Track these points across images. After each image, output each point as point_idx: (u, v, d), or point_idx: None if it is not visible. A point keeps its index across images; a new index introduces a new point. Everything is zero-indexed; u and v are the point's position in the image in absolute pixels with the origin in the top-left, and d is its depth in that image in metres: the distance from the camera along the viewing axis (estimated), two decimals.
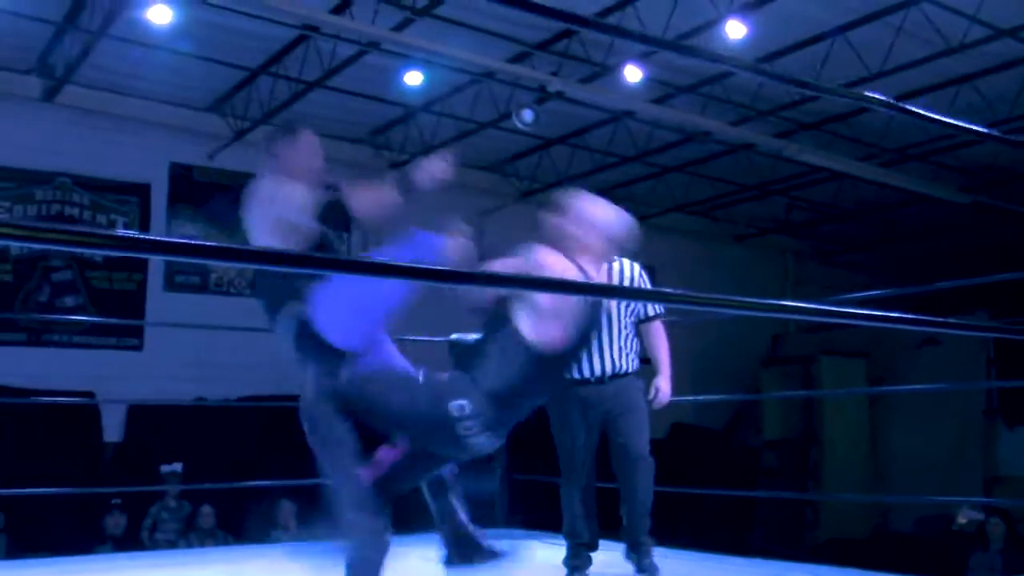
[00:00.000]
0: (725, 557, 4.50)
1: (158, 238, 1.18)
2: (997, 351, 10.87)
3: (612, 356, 3.95)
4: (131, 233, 1.20)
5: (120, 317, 7.82)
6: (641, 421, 3.90)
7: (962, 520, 7.99)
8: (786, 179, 11.21)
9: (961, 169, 10.64)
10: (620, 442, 3.85)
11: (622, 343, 3.99)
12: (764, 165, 10.53)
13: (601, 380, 3.90)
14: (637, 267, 4.12)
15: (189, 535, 6.86)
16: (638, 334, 4.13)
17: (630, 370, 3.98)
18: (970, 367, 10.81)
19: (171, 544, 6.71)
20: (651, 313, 4.11)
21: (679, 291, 1.53)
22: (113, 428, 7.55)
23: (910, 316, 1.73)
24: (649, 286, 4.21)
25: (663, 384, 4.04)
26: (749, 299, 1.52)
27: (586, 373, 3.91)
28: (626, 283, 4.07)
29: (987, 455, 10.94)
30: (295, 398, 7.75)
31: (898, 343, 11.18)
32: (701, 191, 11.63)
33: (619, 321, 4.01)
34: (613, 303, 3.99)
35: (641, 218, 11.18)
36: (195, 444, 7.15)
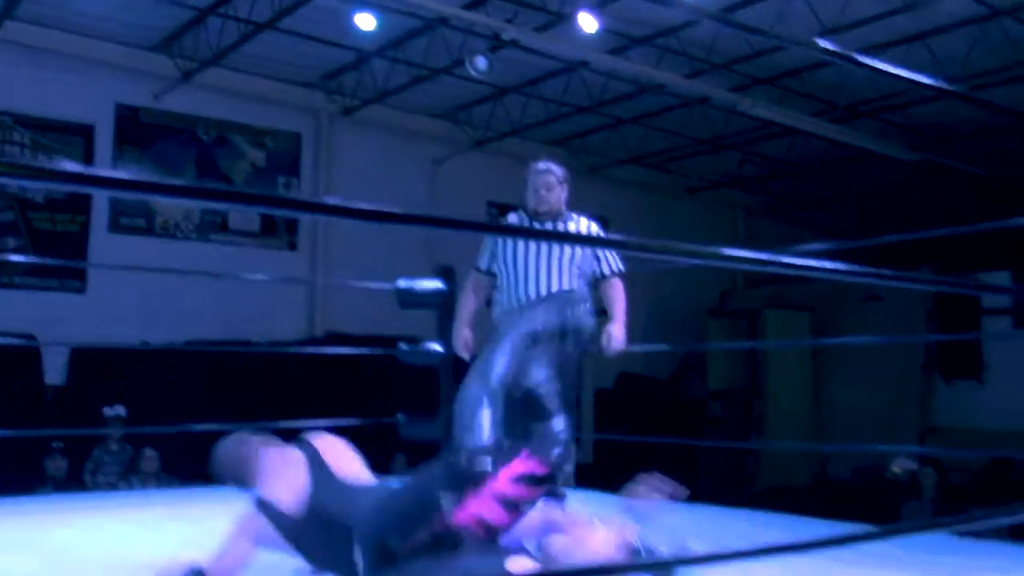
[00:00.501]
0: (670, 503, 4.56)
1: (106, 173, 1.15)
2: (937, 307, 11.10)
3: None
4: (77, 167, 1.17)
5: (63, 259, 7.69)
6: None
7: (896, 469, 8.19)
8: (739, 134, 11.26)
9: (910, 128, 10.75)
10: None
11: (579, 300, 4.00)
12: (718, 119, 10.56)
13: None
14: (595, 226, 4.15)
15: (131, 478, 6.83)
16: (593, 292, 4.16)
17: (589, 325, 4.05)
18: (911, 322, 11.03)
19: (112, 487, 6.68)
20: (607, 272, 4.13)
21: (633, 239, 1.53)
22: (55, 371, 7.44)
23: (853, 268, 1.75)
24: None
25: (616, 330, 4.08)
26: (699, 247, 1.53)
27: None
28: (579, 245, 4.07)
29: (924, 408, 11.21)
30: (240, 343, 7.74)
31: (842, 298, 11.37)
32: (655, 144, 11.64)
33: (568, 276, 4.01)
34: (555, 262, 4.00)
35: (594, 169, 11.24)
36: (139, 388, 7.08)
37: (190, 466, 7.02)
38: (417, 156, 10.38)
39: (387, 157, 9.96)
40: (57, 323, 7.40)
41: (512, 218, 4.27)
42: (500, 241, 4.12)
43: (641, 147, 11.67)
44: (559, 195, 4.04)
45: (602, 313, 4.18)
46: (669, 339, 10.74)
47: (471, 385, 3.72)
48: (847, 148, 10.87)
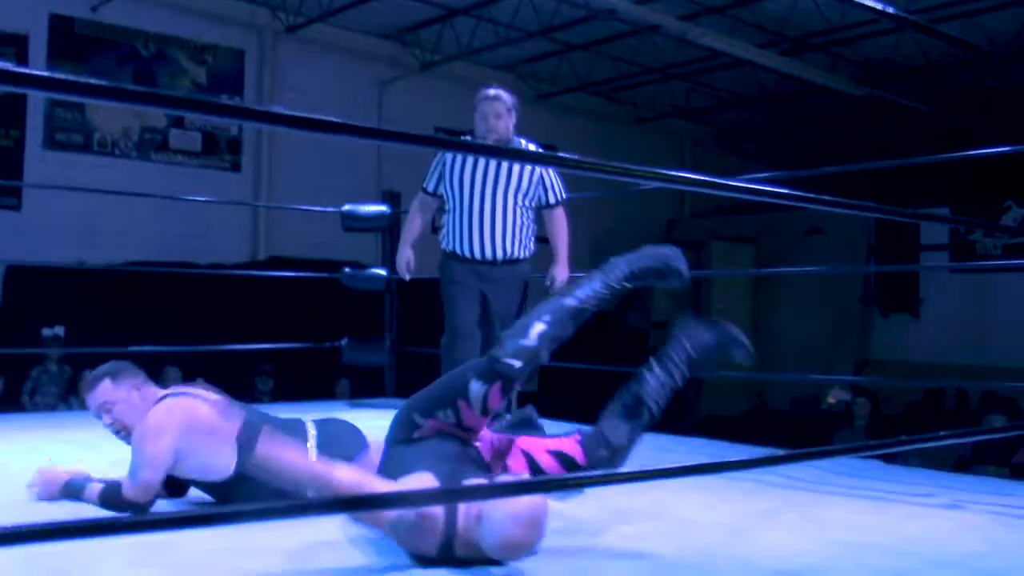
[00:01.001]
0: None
1: (40, 73, 1.10)
2: (877, 242, 11.29)
3: (504, 240, 4.04)
4: (8, 66, 1.11)
5: None
6: (513, 306, 4.08)
7: (831, 400, 8.41)
8: (688, 63, 11.22)
9: (859, 62, 10.80)
10: (494, 322, 4.03)
11: (515, 228, 4.05)
12: (667, 48, 10.50)
13: (493, 262, 4.05)
14: (540, 149, 4.13)
15: (70, 399, 6.75)
16: (538, 220, 4.19)
17: (521, 256, 4.10)
18: (852, 257, 11.22)
19: (51, 408, 6.60)
20: (551, 200, 4.16)
21: (588, 159, 1.51)
22: None
23: (797, 193, 1.75)
24: (553, 173, 4.18)
25: (559, 271, 4.15)
26: (651, 168, 1.52)
27: (477, 254, 4.05)
28: (526, 171, 4.07)
29: (861, 341, 11.47)
30: (180, 264, 7.62)
31: (785, 231, 11.50)
32: (604, 71, 11.56)
33: (513, 205, 4.05)
34: (501, 189, 4.03)
35: (542, 96, 11.15)
36: (76, 309, 6.97)
37: None
38: (363, 78, 10.19)
39: (333, 78, 9.75)
40: None
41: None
42: (449, 164, 4.11)
43: (590, 74, 11.58)
44: (507, 123, 4.05)
45: (543, 241, 4.22)
46: None
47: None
48: (796, 81, 10.90)
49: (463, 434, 2.54)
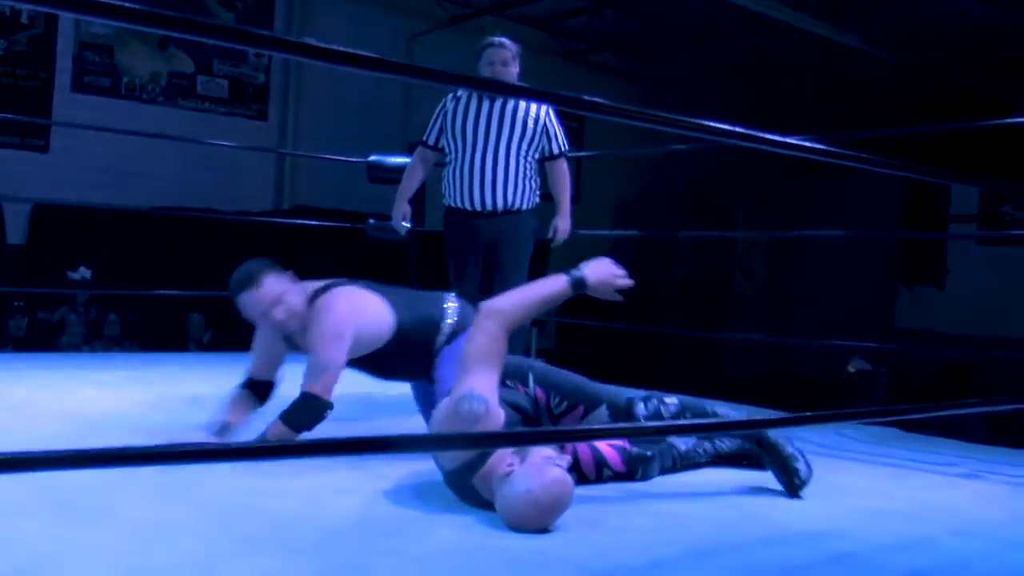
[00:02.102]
0: (627, 388, 4.64)
1: None
2: (906, 212, 11.16)
3: (506, 190, 3.97)
4: None
5: (24, 116, 7.47)
6: (522, 259, 4.02)
7: (851, 369, 8.36)
8: (725, 24, 11.03)
9: (893, 27, 10.60)
10: (497, 275, 3.97)
11: (517, 178, 3.97)
12: (699, 8, 10.33)
13: (494, 213, 3.97)
14: (544, 105, 4.04)
15: (94, 342, 6.80)
16: (541, 171, 4.12)
17: (524, 206, 4.02)
18: (880, 225, 11.10)
19: (75, 348, 6.65)
20: (555, 151, 4.08)
21: (623, 105, 1.48)
22: (16, 230, 7.33)
23: (832, 149, 1.71)
24: (557, 124, 4.08)
25: (561, 223, 4.10)
26: (687, 119, 1.49)
27: (478, 205, 3.98)
28: (530, 122, 3.99)
29: (885, 310, 11.38)
30: (206, 210, 7.62)
31: (814, 199, 11.38)
32: (635, 29, 11.40)
33: (516, 155, 3.98)
34: (504, 139, 3.96)
35: (573, 53, 10.86)
36: (102, 251, 7.00)
37: (151, 332, 7.01)
38: (393, 30, 10.10)
39: (362, 30, 9.67)
40: (18, 182, 7.22)
41: (462, 92, 4.12)
42: (451, 115, 4.03)
43: (622, 32, 11.43)
44: (513, 71, 3.96)
45: (548, 197, 4.17)
46: (640, 228, 10.76)
47: None
48: (831, 44, 10.71)
49: (546, 417, 2.68)
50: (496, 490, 2.23)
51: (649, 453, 2.78)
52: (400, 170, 5.23)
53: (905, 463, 3.28)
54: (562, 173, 4.12)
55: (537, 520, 2.16)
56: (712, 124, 1.61)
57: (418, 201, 5.97)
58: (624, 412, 2.70)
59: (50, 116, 7.78)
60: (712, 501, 2.60)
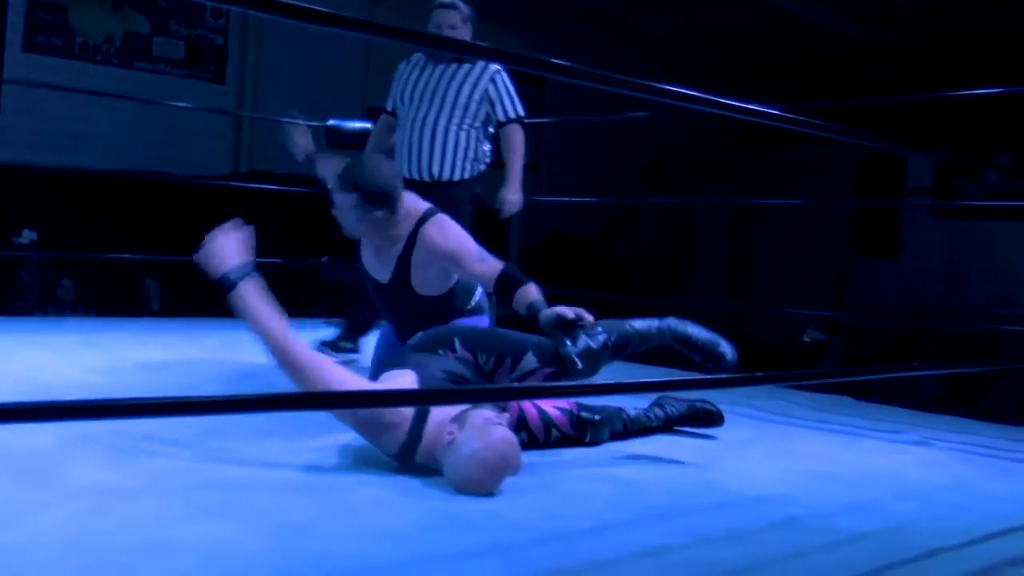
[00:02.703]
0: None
1: None
2: (862, 185, 11.28)
3: (433, 161, 3.87)
4: None
5: None
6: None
7: (806, 339, 8.47)
8: None
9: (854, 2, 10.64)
10: None
11: (447, 149, 3.87)
12: None
13: (424, 184, 3.80)
14: (494, 66, 3.90)
15: (47, 307, 6.70)
16: (493, 137, 4.01)
17: (455, 178, 3.89)
18: (837, 200, 11.21)
19: (28, 313, 6.55)
20: (500, 117, 3.92)
21: (596, 70, 1.48)
22: None
23: (792, 116, 1.73)
24: (505, 90, 3.92)
25: (509, 194, 3.92)
26: (646, 82, 1.49)
27: (412, 174, 3.88)
28: (466, 88, 3.86)
29: (840, 282, 11.53)
30: (161, 174, 7.49)
31: (773, 172, 11.46)
32: None
33: (449, 124, 3.86)
34: (442, 107, 3.86)
35: (535, 20, 10.65)
36: (53, 215, 6.88)
37: (104, 297, 6.92)
38: None
39: None
40: None
41: (414, 58, 4.06)
42: (402, 80, 3.98)
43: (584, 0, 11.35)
44: (463, 35, 3.84)
45: (500, 166, 4.04)
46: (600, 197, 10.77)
47: None
48: (793, 16, 10.73)
49: (482, 378, 2.62)
50: (442, 460, 2.24)
51: (597, 418, 2.79)
52: (359, 135, 5.20)
53: (854, 430, 3.34)
54: (512, 140, 3.92)
55: (487, 481, 2.17)
56: (675, 89, 1.62)
57: None
58: (553, 353, 2.66)
59: (1, 76, 7.61)
60: (664, 467, 2.63)
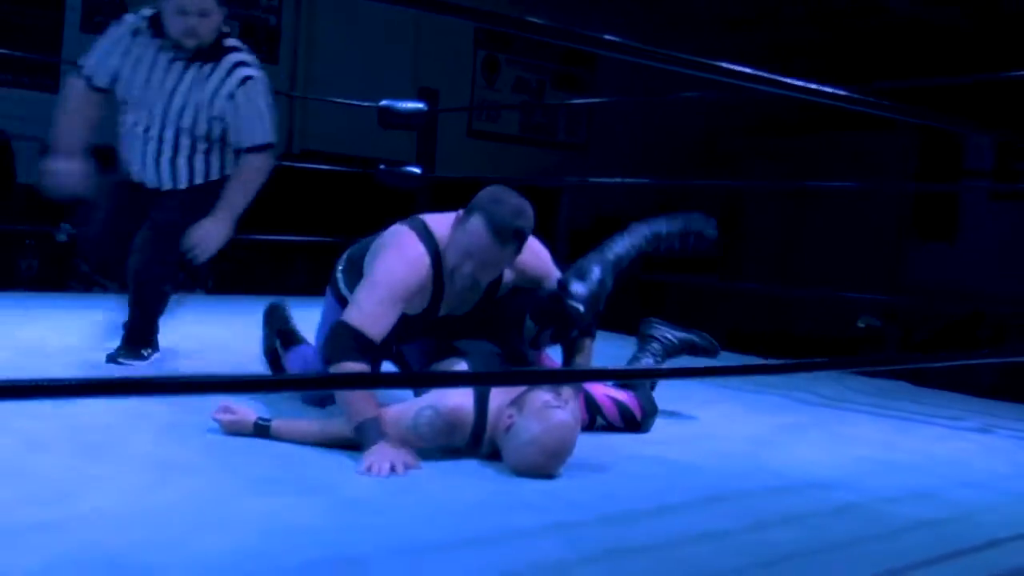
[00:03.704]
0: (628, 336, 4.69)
1: None
2: (919, 168, 11.08)
3: (148, 170, 3.18)
4: None
5: (34, 54, 7.41)
6: (169, 239, 3.10)
7: (861, 324, 8.36)
8: None
9: None
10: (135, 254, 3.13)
11: (164, 159, 3.15)
12: None
13: (157, 192, 3.19)
14: (251, 70, 3.14)
15: (92, 285, 6.78)
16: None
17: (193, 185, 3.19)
18: (893, 178, 11.03)
19: (86, 290, 6.66)
20: (246, 144, 3.16)
21: (619, 39, 1.45)
22: (26, 170, 7.30)
23: (850, 95, 1.69)
24: (253, 109, 3.14)
25: (210, 224, 3.11)
26: (682, 55, 1.46)
27: (135, 177, 3.22)
28: (206, 93, 3.08)
29: (895, 266, 11.35)
30: None
31: (828, 153, 11.29)
32: None
33: (169, 133, 3.11)
34: (166, 111, 3.10)
35: None
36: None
37: None
38: None
39: None
40: (28, 122, 7.18)
41: (147, 31, 3.09)
42: (132, 57, 3.07)
43: None
44: (216, 22, 3.05)
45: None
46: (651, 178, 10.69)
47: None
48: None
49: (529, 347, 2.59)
50: (501, 445, 2.24)
51: (648, 411, 2.74)
52: (411, 115, 5.19)
53: (912, 416, 3.29)
54: (244, 171, 3.17)
55: (544, 465, 2.16)
56: (732, 67, 1.59)
57: (429, 143, 5.94)
58: (549, 311, 2.51)
59: (60, 56, 7.72)
60: (719, 451, 2.61)
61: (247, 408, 2.40)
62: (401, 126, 5.31)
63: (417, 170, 5.35)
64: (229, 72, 3.09)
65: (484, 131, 9.67)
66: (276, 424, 2.34)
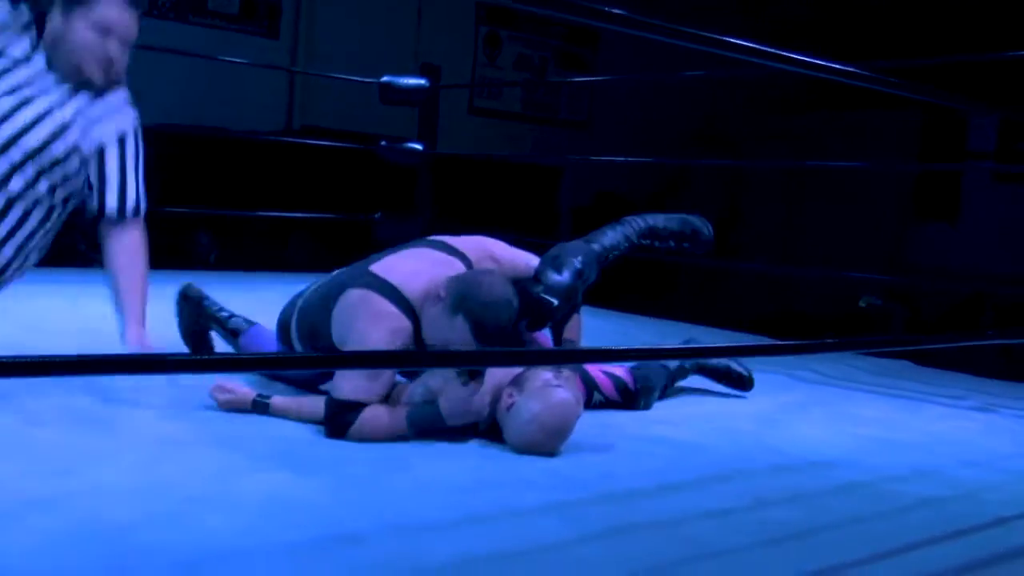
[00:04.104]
0: (647, 318, 4.70)
1: None
2: (922, 148, 11.04)
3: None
4: None
5: None
6: None
7: (862, 304, 8.33)
8: None
9: None
10: None
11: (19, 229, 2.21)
12: None
13: None
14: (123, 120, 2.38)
15: (93, 260, 6.76)
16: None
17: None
18: (895, 158, 10.99)
19: (87, 265, 6.63)
20: (100, 207, 2.29)
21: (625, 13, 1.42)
22: None
23: (855, 71, 1.67)
24: (128, 164, 2.38)
25: (133, 334, 2.27)
26: (689, 29, 1.44)
27: None
28: (67, 140, 2.21)
29: (896, 246, 11.33)
30: (215, 129, 7.52)
31: (829, 132, 11.25)
32: None
33: (13, 184, 2.15)
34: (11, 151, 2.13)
35: None
36: None
37: (158, 250, 7.00)
38: None
39: None
40: None
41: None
42: None
43: None
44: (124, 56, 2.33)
45: None
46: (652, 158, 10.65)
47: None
48: None
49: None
50: (503, 424, 2.23)
51: (646, 385, 2.73)
52: (413, 91, 5.16)
53: (916, 395, 3.28)
54: (126, 251, 2.32)
55: (545, 443, 2.16)
56: (742, 43, 1.56)
57: (431, 119, 5.89)
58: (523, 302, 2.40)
59: None
60: (722, 429, 2.60)
61: (245, 386, 2.39)
62: (403, 102, 5.28)
63: (419, 146, 5.32)
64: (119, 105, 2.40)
65: (486, 108, 9.62)
66: (275, 401, 2.34)
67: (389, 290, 2.25)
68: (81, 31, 2.13)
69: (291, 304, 2.61)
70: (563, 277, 2.48)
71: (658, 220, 2.78)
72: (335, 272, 2.55)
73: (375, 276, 2.30)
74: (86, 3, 2.10)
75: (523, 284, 2.46)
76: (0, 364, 1.00)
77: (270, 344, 2.75)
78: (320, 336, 2.38)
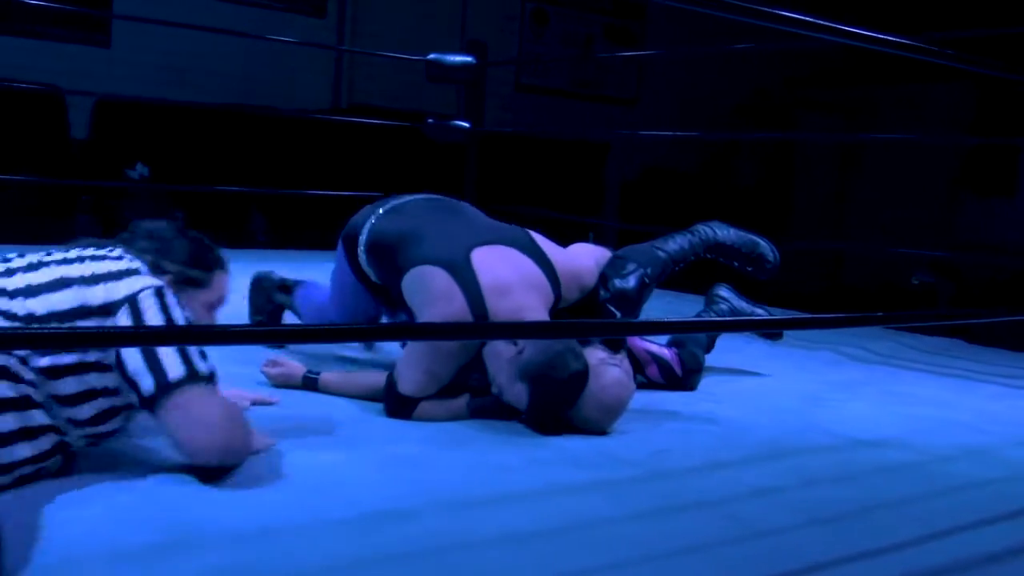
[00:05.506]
0: (693, 296, 4.66)
1: None
2: (976, 121, 10.80)
3: None
4: None
5: (86, 9, 7.46)
6: None
7: (915, 281, 8.21)
8: None
9: None
10: None
11: None
12: None
13: None
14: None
15: None
16: None
17: None
18: (948, 130, 10.78)
19: None
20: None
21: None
22: (80, 125, 7.40)
23: (906, 42, 1.64)
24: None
25: None
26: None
27: None
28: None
29: (950, 222, 11.12)
30: (265, 108, 7.58)
31: (880, 105, 11.05)
32: None
33: None
34: None
35: None
36: (163, 148, 7.05)
37: (210, 229, 7.08)
38: None
39: None
40: (81, 77, 7.25)
41: None
42: None
43: None
44: None
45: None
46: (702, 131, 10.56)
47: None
48: None
49: None
50: None
51: (693, 367, 2.72)
52: (459, 68, 5.14)
53: (968, 374, 3.23)
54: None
55: (599, 420, 2.17)
56: (790, 15, 1.54)
57: (477, 96, 5.89)
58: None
59: (111, 10, 7.77)
60: (770, 408, 2.59)
61: (295, 362, 2.43)
62: (449, 79, 5.28)
63: (466, 124, 5.32)
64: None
65: (532, 85, 9.59)
66: (324, 377, 2.37)
67: (477, 298, 2.21)
68: (198, 312, 1.96)
69: (364, 217, 2.64)
70: (629, 285, 2.49)
71: (728, 236, 2.72)
72: (409, 198, 2.65)
73: (472, 271, 2.24)
74: (206, 284, 2.01)
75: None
76: (40, 336, 1.02)
77: (322, 293, 2.86)
78: (392, 269, 2.39)
